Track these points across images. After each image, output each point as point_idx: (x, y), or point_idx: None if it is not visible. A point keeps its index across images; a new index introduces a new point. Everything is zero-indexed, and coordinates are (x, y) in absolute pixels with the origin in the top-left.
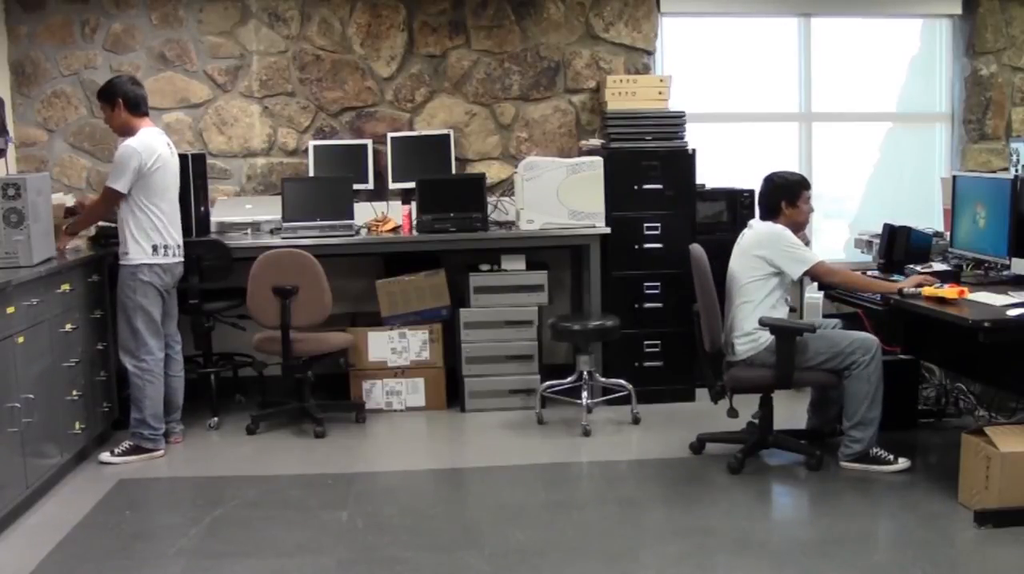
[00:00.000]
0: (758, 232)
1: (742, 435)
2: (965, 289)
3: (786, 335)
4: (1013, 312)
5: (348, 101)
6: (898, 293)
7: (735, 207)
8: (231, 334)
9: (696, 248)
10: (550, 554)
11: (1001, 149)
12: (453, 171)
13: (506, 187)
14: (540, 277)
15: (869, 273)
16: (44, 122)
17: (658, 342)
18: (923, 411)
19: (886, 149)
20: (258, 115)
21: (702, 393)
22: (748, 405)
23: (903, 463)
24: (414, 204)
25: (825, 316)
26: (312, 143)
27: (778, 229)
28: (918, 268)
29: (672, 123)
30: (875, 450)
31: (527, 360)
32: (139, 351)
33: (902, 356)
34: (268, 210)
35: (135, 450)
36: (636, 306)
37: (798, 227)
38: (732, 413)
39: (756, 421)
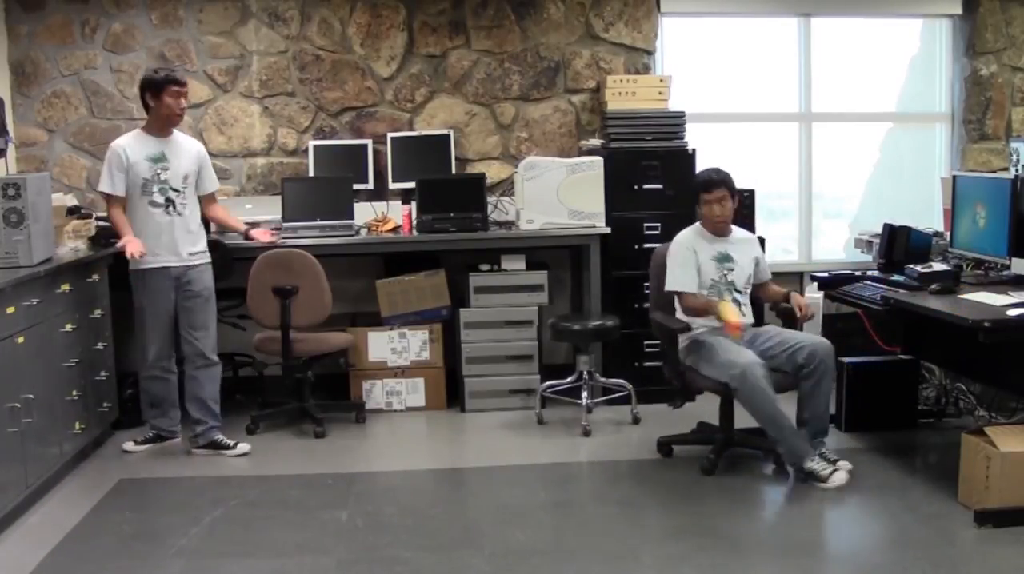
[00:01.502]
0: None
1: (697, 436)
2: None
3: (666, 335)
4: (1013, 312)
5: (348, 101)
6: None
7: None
8: (231, 334)
9: (661, 251)
10: (550, 554)
11: (1001, 149)
12: (453, 171)
13: (506, 187)
14: (540, 277)
15: (869, 273)
16: (44, 122)
17: (658, 342)
18: (923, 411)
19: (886, 149)
20: (258, 115)
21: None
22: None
23: (837, 480)
24: (414, 204)
25: (826, 317)
26: (312, 143)
27: (674, 242)
28: (918, 268)
29: (672, 123)
30: (810, 464)
31: (527, 360)
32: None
33: (902, 356)
34: (268, 210)
35: (155, 439)
36: (636, 306)
37: (710, 224)
38: (675, 405)
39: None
